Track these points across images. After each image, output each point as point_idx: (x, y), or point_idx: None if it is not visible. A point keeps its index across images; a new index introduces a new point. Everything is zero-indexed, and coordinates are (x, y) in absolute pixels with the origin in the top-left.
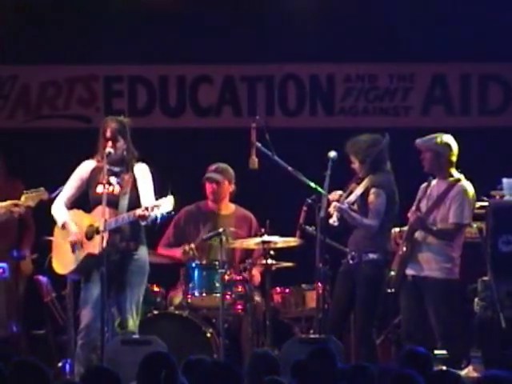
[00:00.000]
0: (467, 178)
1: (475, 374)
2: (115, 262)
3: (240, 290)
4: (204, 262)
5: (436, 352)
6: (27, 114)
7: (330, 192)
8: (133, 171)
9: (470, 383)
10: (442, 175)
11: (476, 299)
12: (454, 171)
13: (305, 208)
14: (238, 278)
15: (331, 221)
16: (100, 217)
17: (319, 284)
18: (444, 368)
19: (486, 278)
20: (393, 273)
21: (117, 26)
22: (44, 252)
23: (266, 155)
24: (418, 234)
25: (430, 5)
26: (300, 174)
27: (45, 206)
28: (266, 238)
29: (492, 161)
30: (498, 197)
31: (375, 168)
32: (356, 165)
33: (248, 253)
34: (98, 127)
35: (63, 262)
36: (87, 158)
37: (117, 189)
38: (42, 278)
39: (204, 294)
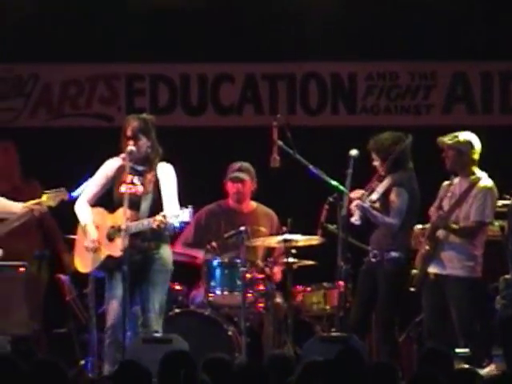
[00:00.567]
0: (489, 176)
1: (497, 373)
2: (137, 261)
3: (261, 288)
4: (225, 260)
5: (458, 350)
6: (49, 113)
7: (351, 190)
8: (156, 170)
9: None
10: (464, 173)
11: (497, 297)
12: (476, 169)
13: (326, 206)
14: (260, 276)
15: (353, 219)
16: (122, 218)
17: (341, 282)
18: (466, 366)
19: (507, 277)
20: (415, 271)
21: (138, 24)
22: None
23: (288, 154)
24: (440, 233)
25: (452, 3)
26: (321, 173)
27: (67, 205)
28: (287, 236)
29: None
30: None
31: (397, 166)
32: (378, 162)
33: (270, 251)
34: (120, 126)
35: (85, 260)
36: (109, 157)
37: (140, 189)
38: (64, 277)
39: (225, 293)
